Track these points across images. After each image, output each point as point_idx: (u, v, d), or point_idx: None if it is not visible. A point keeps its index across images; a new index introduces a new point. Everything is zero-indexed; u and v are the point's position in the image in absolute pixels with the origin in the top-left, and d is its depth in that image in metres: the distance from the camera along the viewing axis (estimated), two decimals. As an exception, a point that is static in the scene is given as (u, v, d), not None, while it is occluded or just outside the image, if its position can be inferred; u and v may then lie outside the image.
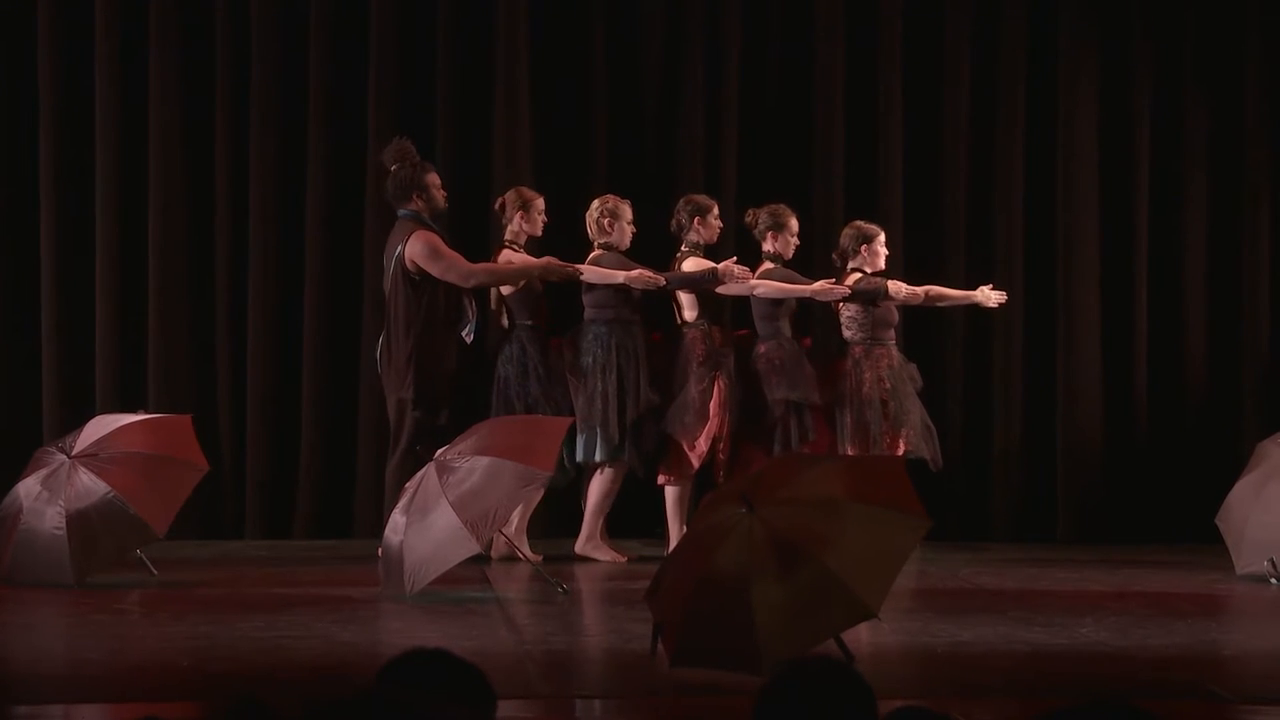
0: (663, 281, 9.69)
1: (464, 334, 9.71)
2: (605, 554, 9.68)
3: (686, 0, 10.98)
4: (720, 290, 9.78)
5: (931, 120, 11.08)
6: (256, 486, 10.83)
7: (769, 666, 5.91)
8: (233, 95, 10.83)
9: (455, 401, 9.59)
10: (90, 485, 8.61)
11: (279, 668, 6.76)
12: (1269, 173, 11.18)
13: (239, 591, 8.73)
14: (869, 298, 9.88)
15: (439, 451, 8.49)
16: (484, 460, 8.24)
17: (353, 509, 10.81)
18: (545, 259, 9.68)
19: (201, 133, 10.85)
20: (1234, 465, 9.72)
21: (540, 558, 9.34)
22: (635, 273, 9.66)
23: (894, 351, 9.94)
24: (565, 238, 9.98)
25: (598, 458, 9.67)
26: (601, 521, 9.78)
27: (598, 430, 9.63)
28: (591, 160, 10.91)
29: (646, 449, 9.73)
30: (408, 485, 8.48)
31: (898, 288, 9.88)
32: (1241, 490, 9.28)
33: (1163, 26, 11.14)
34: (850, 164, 10.99)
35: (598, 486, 9.74)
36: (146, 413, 9.36)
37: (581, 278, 9.69)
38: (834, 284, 9.84)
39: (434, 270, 9.53)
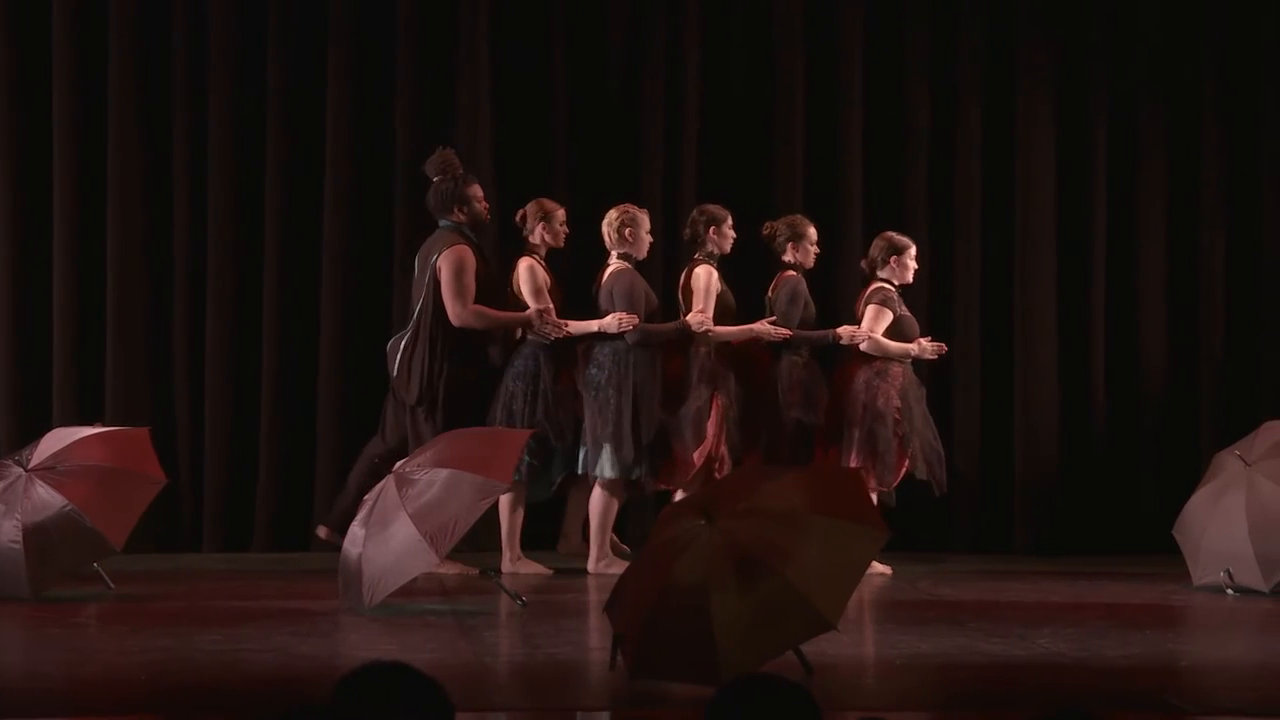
0: (634, 324, 9.64)
1: (492, 350, 9.72)
2: (619, 567, 9.63)
3: (647, 4, 11.01)
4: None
5: (891, 128, 11.13)
6: (214, 499, 10.80)
7: (728, 678, 5.91)
8: (191, 111, 10.80)
9: (469, 414, 9.56)
10: (47, 498, 8.57)
11: (237, 681, 6.73)
12: (1225, 182, 11.24)
13: (197, 605, 8.70)
14: (819, 345, 9.87)
15: (398, 464, 8.48)
16: (443, 472, 8.23)
17: (311, 522, 10.78)
18: (534, 310, 9.64)
19: (160, 149, 10.82)
20: (1191, 476, 9.77)
21: (477, 570, 9.36)
22: (608, 319, 9.65)
23: (910, 371, 9.89)
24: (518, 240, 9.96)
25: (608, 474, 9.62)
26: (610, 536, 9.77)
27: (606, 446, 9.61)
28: (551, 165, 10.93)
29: (656, 465, 9.74)
30: (366, 498, 8.46)
31: (851, 334, 9.84)
32: (1198, 501, 9.32)
33: (1120, 34, 11.21)
34: (810, 170, 11.03)
35: (598, 506, 9.73)
36: (104, 425, 9.32)
37: (569, 332, 9.64)
38: (774, 324, 9.78)
39: (445, 289, 9.55)
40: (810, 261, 9.98)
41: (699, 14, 11.05)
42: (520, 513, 9.72)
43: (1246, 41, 11.23)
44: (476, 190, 9.76)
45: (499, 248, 10.23)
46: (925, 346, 9.88)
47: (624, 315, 9.62)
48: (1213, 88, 11.21)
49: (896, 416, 9.73)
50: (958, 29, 11.17)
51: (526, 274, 9.73)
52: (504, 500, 9.51)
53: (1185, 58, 11.23)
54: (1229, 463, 9.20)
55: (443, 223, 9.74)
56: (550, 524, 10.00)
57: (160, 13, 10.81)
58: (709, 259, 9.86)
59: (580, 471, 9.70)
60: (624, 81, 11.03)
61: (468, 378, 9.65)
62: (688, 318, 9.72)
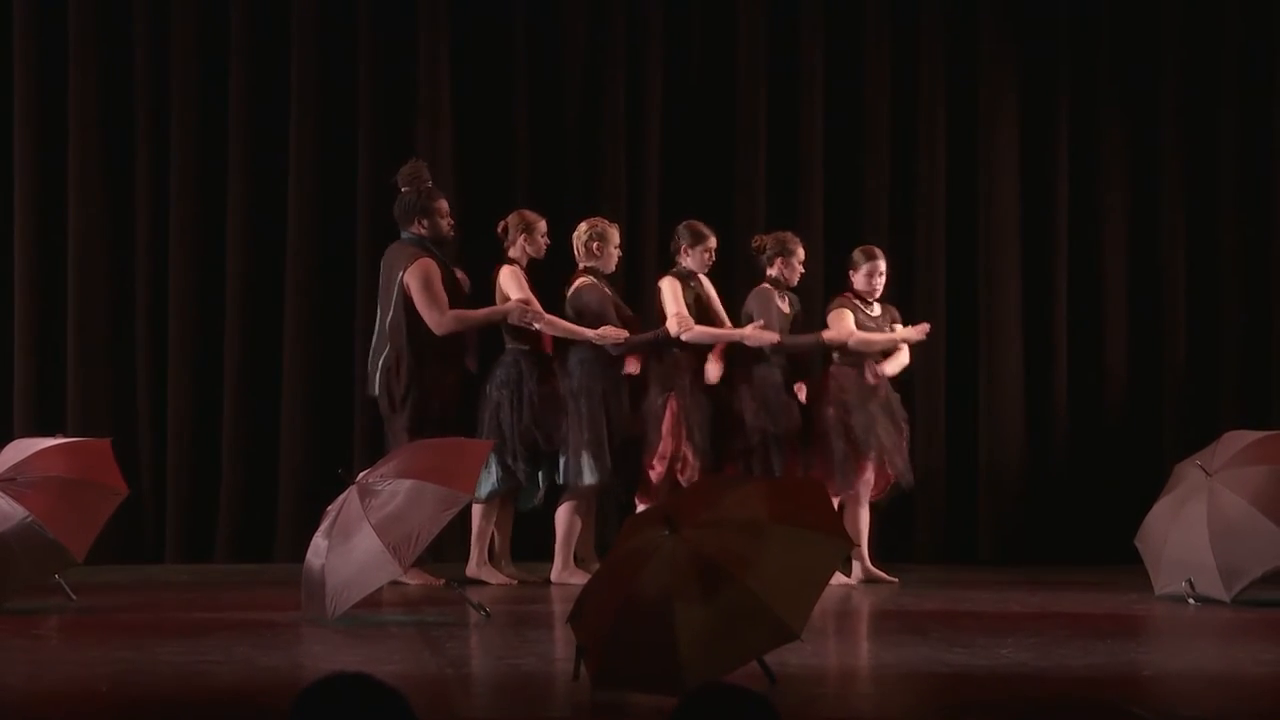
0: (623, 339, 9.65)
1: (467, 361, 9.70)
2: (581, 578, 9.65)
3: (608, 16, 11.03)
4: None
5: (853, 136, 11.17)
6: (176, 510, 10.77)
7: (691, 688, 5.91)
8: (152, 122, 10.79)
9: (451, 425, 9.52)
10: (8, 510, 8.53)
11: (199, 693, 6.71)
12: (1186, 192, 11.29)
13: (159, 616, 8.67)
14: (803, 351, 9.89)
15: (361, 475, 8.46)
16: (406, 483, 8.21)
17: (274, 532, 10.76)
18: (513, 302, 9.64)
19: (121, 158, 10.79)
20: (1153, 486, 9.81)
21: (442, 581, 9.37)
22: (601, 330, 9.64)
23: (861, 375, 9.88)
24: (489, 250, 9.95)
25: (587, 480, 9.63)
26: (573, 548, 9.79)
27: (584, 454, 9.60)
28: (513, 175, 10.93)
29: (628, 475, 9.74)
30: (329, 508, 8.45)
31: (830, 337, 9.88)
32: (1160, 511, 9.35)
33: (1081, 45, 11.26)
34: (771, 183, 11.06)
35: (565, 515, 9.74)
36: (65, 436, 9.28)
37: (541, 326, 9.62)
38: (763, 328, 9.80)
39: (417, 302, 9.53)
40: (794, 280, 10.01)
41: (661, 23, 11.07)
42: (492, 519, 9.73)
43: (1206, 50, 11.30)
44: (442, 205, 9.72)
45: (462, 256, 10.20)
46: (908, 332, 9.90)
47: (611, 330, 9.60)
48: (1173, 97, 11.27)
49: (849, 423, 9.75)
50: (919, 41, 11.21)
51: (509, 277, 9.72)
52: (477, 505, 9.55)
53: (1146, 67, 11.29)
54: (1190, 473, 9.24)
55: (404, 235, 9.73)
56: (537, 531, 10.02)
57: (121, 21, 10.78)
58: (680, 275, 9.86)
59: (560, 482, 9.70)
60: (586, 92, 11.04)
61: (448, 386, 9.63)
62: (667, 326, 9.72)
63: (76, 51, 10.71)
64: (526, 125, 11.01)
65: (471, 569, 9.71)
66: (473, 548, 9.76)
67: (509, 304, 9.63)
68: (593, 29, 11.06)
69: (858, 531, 9.69)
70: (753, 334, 9.78)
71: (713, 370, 9.78)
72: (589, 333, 9.66)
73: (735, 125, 11.10)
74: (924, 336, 10.06)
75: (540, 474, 9.76)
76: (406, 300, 9.59)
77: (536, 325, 9.60)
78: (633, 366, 9.73)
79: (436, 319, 9.55)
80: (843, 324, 9.86)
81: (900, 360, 10.02)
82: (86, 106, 10.73)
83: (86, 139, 10.73)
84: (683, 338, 9.74)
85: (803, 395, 9.87)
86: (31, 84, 10.71)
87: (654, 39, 11.08)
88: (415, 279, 9.55)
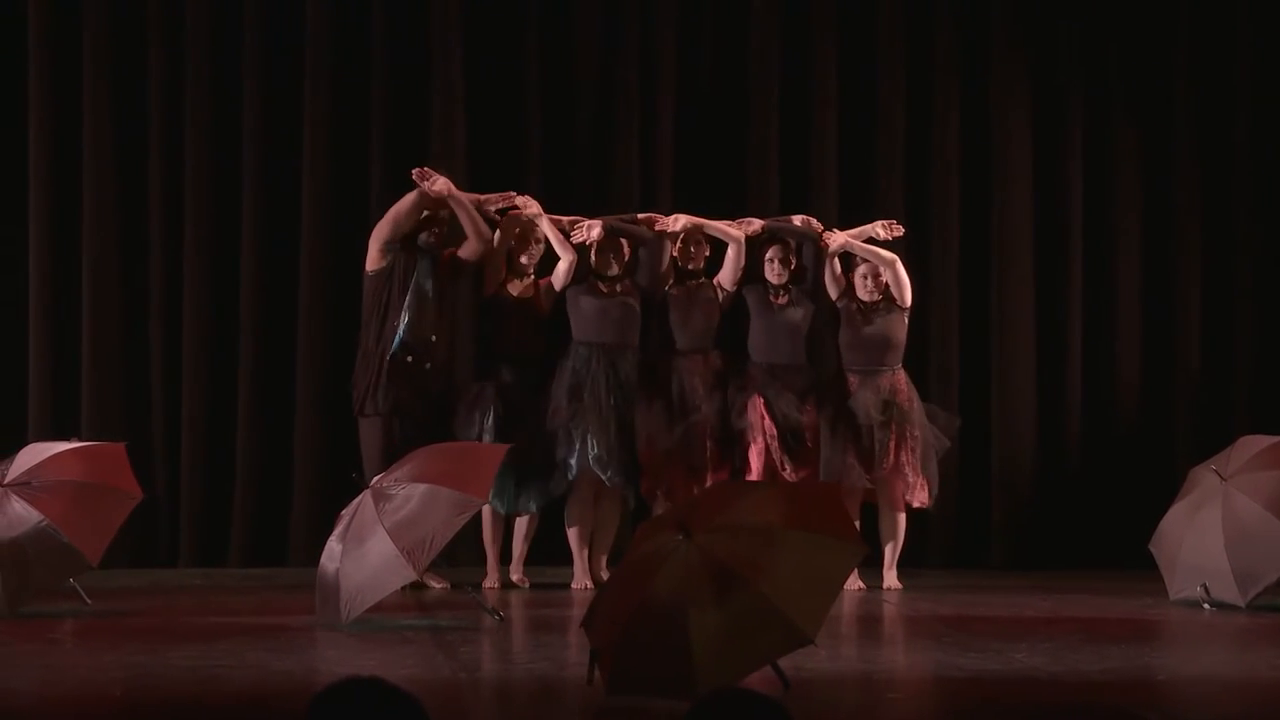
0: (600, 224, 9.74)
1: (389, 355, 9.69)
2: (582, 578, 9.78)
3: (621, 18, 11.04)
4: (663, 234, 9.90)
5: (866, 138, 11.17)
6: (191, 514, 10.78)
7: (704, 693, 5.91)
8: (166, 127, 10.81)
9: (421, 424, 9.54)
10: (23, 514, 8.54)
11: (212, 697, 6.72)
12: (1199, 196, 11.28)
13: (173, 620, 8.68)
14: (795, 236, 9.88)
15: (375, 479, 8.47)
16: (420, 487, 8.22)
17: (288, 537, 10.77)
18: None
19: (135, 163, 10.81)
20: (1167, 491, 9.80)
21: (445, 584, 9.39)
22: (585, 226, 9.78)
23: (888, 380, 9.91)
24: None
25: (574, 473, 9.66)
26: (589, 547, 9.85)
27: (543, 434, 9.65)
28: (525, 177, 10.93)
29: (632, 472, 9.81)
30: (343, 513, 8.46)
31: (831, 237, 9.95)
32: (1174, 516, 9.35)
33: (1094, 49, 11.26)
34: (785, 184, 11.06)
35: (567, 518, 9.83)
36: (80, 441, 9.29)
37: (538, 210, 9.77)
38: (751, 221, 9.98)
39: (374, 238, 9.65)
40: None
41: (674, 26, 11.08)
42: (492, 525, 9.77)
43: (1219, 53, 11.28)
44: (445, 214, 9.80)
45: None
46: (875, 226, 10.01)
47: (586, 221, 9.69)
48: (1187, 101, 11.26)
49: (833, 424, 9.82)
50: (933, 44, 11.20)
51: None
52: (486, 513, 9.59)
53: (1159, 70, 11.28)
54: (1205, 477, 9.23)
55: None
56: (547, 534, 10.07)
57: (134, 23, 10.80)
58: None
59: (572, 476, 9.71)
60: (599, 95, 11.05)
61: (410, 386, 9.64)
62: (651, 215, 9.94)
63: (91, 55, 10.72)
64: (539, 127, 11.01)
65: (514, 573, 9.78)
66: (496, 555, 9.83)
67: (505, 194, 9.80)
68: (606, 32, 11.06)
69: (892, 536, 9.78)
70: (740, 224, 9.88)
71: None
72: (564, 221, 9.81)
73: (748, 128, 11.10)
74: (891, 233, 10.01)
75: (532, 484, 9.75)
76: (369, 299, 9.64)
77: (532, 212, 9.70)
78: (593, 232, 9.73)
79: (381, 223, 9.66)
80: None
81: (878, 251, 9.99)
82: (100, 109, 10.74)
83: (100, 142, 10.74)
84: (677, 226, 9.82)
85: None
86: (47, 87, 10.73)
87: (667, 42, 11.09)
88: (371, 246, 9.68)
